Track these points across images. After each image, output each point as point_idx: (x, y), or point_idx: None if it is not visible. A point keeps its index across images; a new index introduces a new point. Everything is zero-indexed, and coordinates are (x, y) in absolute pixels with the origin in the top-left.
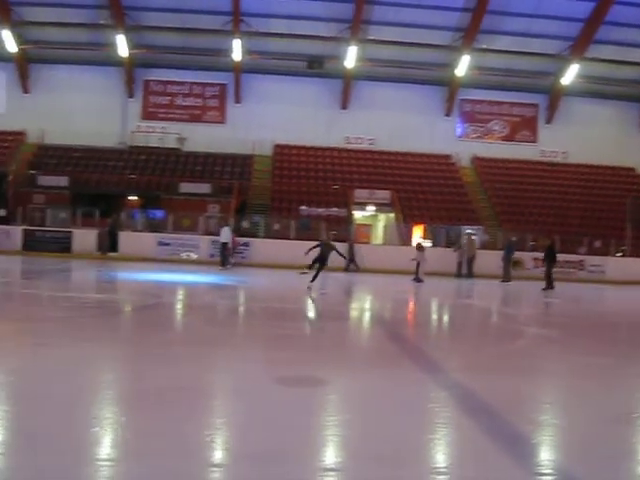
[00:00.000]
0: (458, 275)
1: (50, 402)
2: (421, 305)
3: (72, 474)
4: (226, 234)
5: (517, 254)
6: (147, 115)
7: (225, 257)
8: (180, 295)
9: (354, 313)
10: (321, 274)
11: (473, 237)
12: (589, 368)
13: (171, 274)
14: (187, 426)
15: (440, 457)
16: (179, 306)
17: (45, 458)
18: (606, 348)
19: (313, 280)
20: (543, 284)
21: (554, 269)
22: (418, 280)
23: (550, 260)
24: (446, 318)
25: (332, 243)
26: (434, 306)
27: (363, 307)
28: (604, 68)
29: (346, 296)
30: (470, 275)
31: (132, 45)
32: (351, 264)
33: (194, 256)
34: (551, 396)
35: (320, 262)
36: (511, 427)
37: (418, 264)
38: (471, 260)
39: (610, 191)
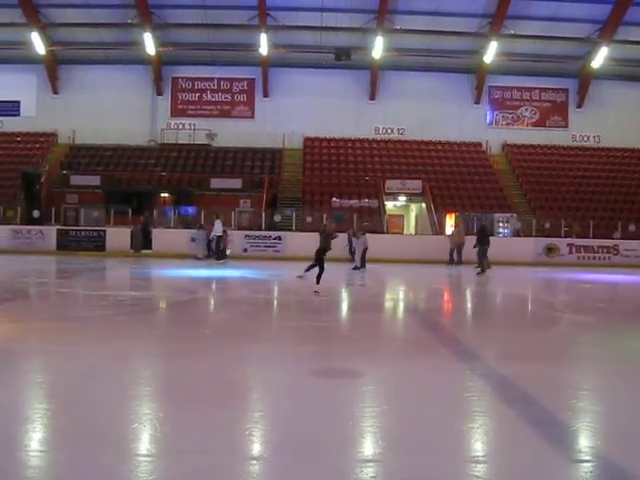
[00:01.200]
0: (450, 262)
1: (88, 399)
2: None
3: (112, 470)
4: (219, 227)
5: (552, 240)
6: (176, 112)
7: (220, 251)
8: (214, 290)
9: (387, 304)
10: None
11: (462, 225)
12: (627, 353)
13: (204, 270)
14: (225, 420)
15: (478, 446)
16: (213, 301)
17: (85, 454)
18: None
19: (308, 270)
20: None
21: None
22: (356, 267)
23: (482, 243)
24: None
25: (329, 230)
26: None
27: (394, 298)
28: (634, 50)
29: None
30: (459, 262)
31: (159, 43)
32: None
33: (227, 251)
34: (590, 382)
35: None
36: (548, 413)
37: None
38: (460, 248)
39: None
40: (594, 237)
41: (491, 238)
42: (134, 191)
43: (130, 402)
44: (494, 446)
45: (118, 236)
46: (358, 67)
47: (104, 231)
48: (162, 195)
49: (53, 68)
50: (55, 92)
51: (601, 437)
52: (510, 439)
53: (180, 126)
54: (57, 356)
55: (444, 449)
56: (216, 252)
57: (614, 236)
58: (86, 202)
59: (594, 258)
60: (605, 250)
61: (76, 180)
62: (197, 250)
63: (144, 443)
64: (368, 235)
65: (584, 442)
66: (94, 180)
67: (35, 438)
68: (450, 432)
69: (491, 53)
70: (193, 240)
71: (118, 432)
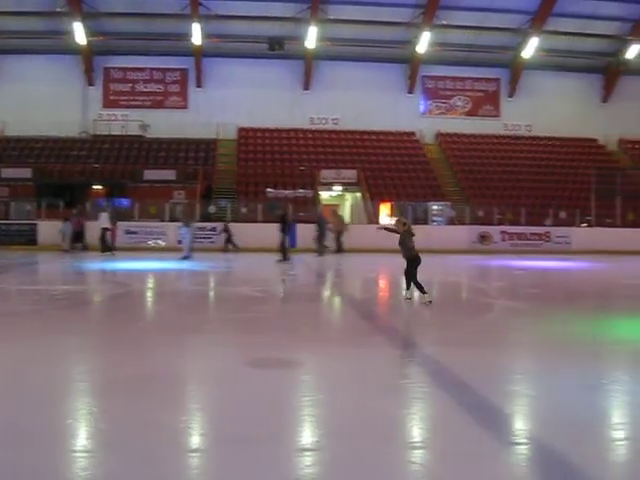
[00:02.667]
0: (319, 251)
1: (22, 395)
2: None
3: (48, 466)
4: (104, 219)
5: (485, 228)
6: (108, 103)
7: (105, 243)
8: (150, 283)
9: (325, 293)
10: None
11: (340, 213)
12: (560, 337)
13: (139, 262)
14: (162, 413)
15: (416, 432)
16: (149, 294)
17: (20, 451)
18: (576, 317)
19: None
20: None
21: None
22: (185, 257)
23: (283, 231)
24: None
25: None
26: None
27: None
28: (565, 41)
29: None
30: (340, 250)
31: (90, 32)
32: (229, 244)
33: (162, 243)
34: (523, 366)
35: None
36: (484, 398)
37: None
38: (339, 235)
39: (574, 162)
40: (526, 224)
41: (426, 226)
42: (66, 183)
43: (63, 397)
44: (430, 432)
45: (50, 230)
46: (292, 57)
47: (36, 225)
48: (95, 187)
49: None
50: None
51: (534, 420)
52: (446, 424)
53: (112, 117)
54: None
55: (381, 436)
56: (100, 245)
57: (546, 223)
58: (17, 195)
59: (526, 245)
60: (537, 237)
61: (6, 173)
62: (63, 243)
63: (79, 439)
64: (303, 225)
65: (518, 425)
66: (25, 173)
67: None
68: (387, 419)
69: (424, 43)
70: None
71: (51, 428)
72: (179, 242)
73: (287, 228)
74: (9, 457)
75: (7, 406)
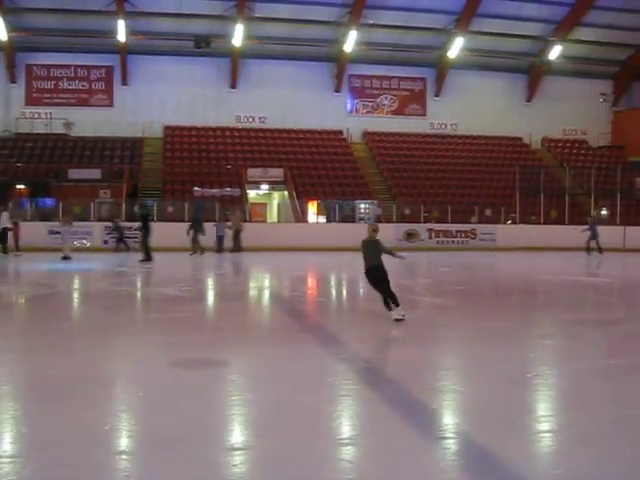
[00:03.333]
0: (218, 250)
1: None
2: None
3: None
4: (5, 219)
5: (412, 226)
6: (31, 101)
7: (4, 244)
8: (75, 284)
9: (252, 292)
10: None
11: (239, 212)
12: (485, 333)
13: (64, 263)
14: (87, 415)
15: (344, 428)
16: (75, 295)
17: None
18: (501, 313)
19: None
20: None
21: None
22: (66, 257)
23: (145, 229)
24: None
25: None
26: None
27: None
28: (489, 41)
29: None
30: (238, 249)
31: (11, 28)
32: (120, 243)
33: (87, 244)
34: (450, 362)
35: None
36: (411, 394)
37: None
38: (237, 234)
39: (499, 161)
40: (452, 222)
41: (354, 224)
42: None
43: None
44: (359, 428)
45: None
46: (219, 55)
47: (18, 225)
48: (18, 187)
49: None
50: None
51: (460, 415)
52: (374, 420)
53: (36, 115)
54: None
55: (310, 433)
56: (1, 245)
57: (472, 220)
58: None
59: (453, 242)
60: (463, 234)
61: None
62: None
63: (1, 443)
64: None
65: (444, 420)
66: None
67: None
68: (316, 416)
69: (351, 42)
70: None
71: None
72: (105, 242)
73: (148, 227)
74: None
75: None
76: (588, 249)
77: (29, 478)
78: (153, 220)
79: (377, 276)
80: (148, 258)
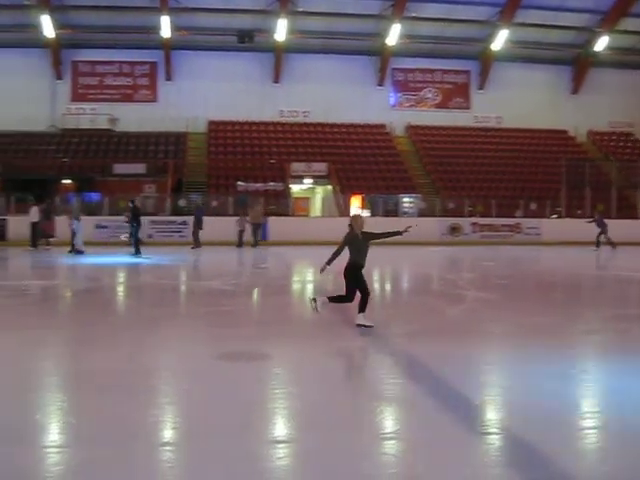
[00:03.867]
0: (239, 245)
1: None
2: None
3: (17, 462)
4: (34, 213)
5: (455, 220)
6: (77, 97)
7: (35, 238)
8: (120, 277)
9: (294, 286)
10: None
11: (259, 206)
12: (530, 328)
13: (110, 257)
14: (132, 407)
15: (388, 423)
16: (120, 288)
17: None
18: (545, 308)
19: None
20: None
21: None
22: (77, 251)
23: (133, 223)
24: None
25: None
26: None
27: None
28: (533, 32)
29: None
30: (256, 243)
31: (58, 25)
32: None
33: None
34: (494, 357)
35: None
36: (454, 389)
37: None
38: (257, 228)
39: (544, 154)
40: (497, 216)
41: (397, 219)
42: (35, 178)
43: (33, 393)
44: (402, 422)
45: (20, 225)
46: (262, 50)
47: (5, 220)
48: (64, 182)
49: None
50: None
51: (505, 410)
52: (418, 415)
53: (81, 111)
54: None
55: (353, 427)
56: (31, 240)
57: (516, 214)
58: None
59: (497, 236)
60: (507, 228)
61: None
62: None
63: (49, 434)
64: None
65: (488, 415)
66: None
67: None
68: (359, 410)
69: (394, 35)
70: None
71: (22, 423)
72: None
73: (138, 221)
74: None
75: None
76: (598, 243)
77: (76, 468)
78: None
79: (360, 275)
80: (137, 252)
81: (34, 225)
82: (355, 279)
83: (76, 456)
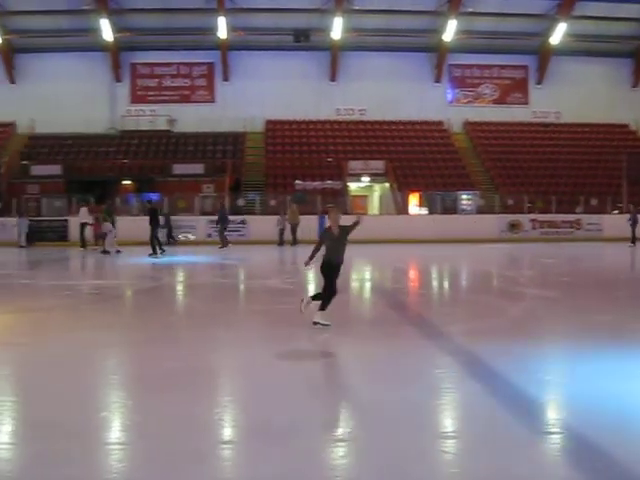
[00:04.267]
0: (280, 243)
1: (58, 389)
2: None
3: (82, 459)
4: (84, 214)
5: (515, 216)
6: (136, 98)
7: (83, 238)
8: (179, 276)
9: (353, 284)
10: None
11: (295, 206)
12: (592, 326)
13: (169, 256)
14: (195, 406)
15: (448, 421)
16: (179, 287)
17: (55, 444)
18: (608, 305)
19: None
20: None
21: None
22: (105, 252)
23: (152, 224)
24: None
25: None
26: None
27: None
28: (592, 25)
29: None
30: (295, 242)
31: (116, 29)
32: (169, 239)
33: (191, 237)
34: (556, 356)
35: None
36: (516, 388)
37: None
38: (294, 228)
39: (605, 149)
40: (557, 212)
41: (455, 216)
42: (96, 180)
43: (98, 391)
44: (463, 421)
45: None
46: (318, 48)
47: (66, 221)
48: (124, 183)
49: (9, 57)
50: (12, 81)
51: (567, 409)
52: (478, 414)
53: (140, 112)
54: (22, 348)
55: (413, 426)
56: (80, 240)
57: (577, 210)
58: (47, 192)
59: (557, 233)
60: (568, 225)
61: (36, 170)
62: (19, 238)
63: (113, 431)
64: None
65: (551, 414)
66: (55, 170)
67: (3, 431)
68: (420, 409)
69: (450, 31)
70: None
71: (88, 421)
72: (209, 235)
73: (157, 221)
74: (44, 450)
75: (43, 400)
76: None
77: (140, 465)
78: (161, 215)
79: (336, 272)
80: (155, 252)
81: (83, 226)
82: (327, 276)
83: (140, 453)
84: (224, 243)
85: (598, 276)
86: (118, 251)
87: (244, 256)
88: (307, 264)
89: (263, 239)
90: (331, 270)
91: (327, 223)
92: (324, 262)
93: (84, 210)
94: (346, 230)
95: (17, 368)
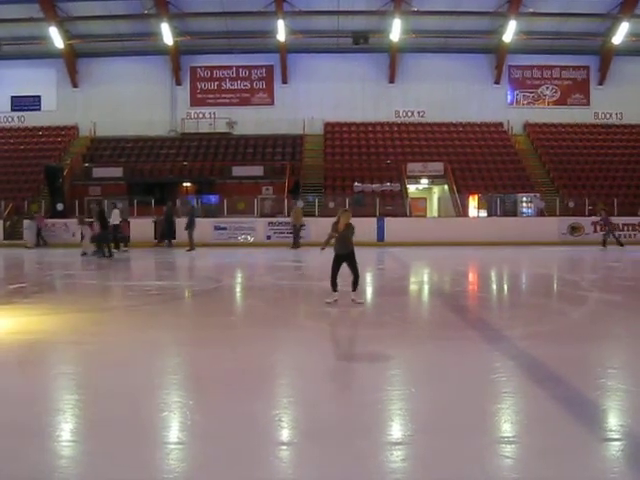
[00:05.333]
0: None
1: (119, 389)
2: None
3: (144, 458)
4: (116, 216)
5: (576, 219)
6: (196, 101)
7: (117, 239)
8: (239, 278)
9: (412, 287)
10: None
11: (299, 207)
12: None
13: (229, 258)
14: (255, 406)
15: (508, 426)
16: (239, 289)
17: (116, 443)
18: None
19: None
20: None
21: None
22: (84, 254)
23: (190, 223)
24: None
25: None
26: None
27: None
28: None
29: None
30: (297, 245)
31: (176, 33)
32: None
33: (251, 239)
34: (619, 360)
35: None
36: (578, 393)
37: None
38: (298, 229)
39: None
40: (619, 215)
41: (515, 218)
42: (156, 182)
43: (160, 391)
44: (523, 426)
45: (142, 227)
46: (376, 50)
47: (128, 222)
48: (184, 185)
49: (72, 62)
50: (75, 85)
51: (631, 415)
52: (539, 419)
53: (200, 115)
54: (86, 347)
55: (473, 430)
56: (114, 241)
57: (639, 213)
58: (109, 194)
59: (619, 236)
60: (631, 228)
61: (98, 172)
62: (28, 239)
63: (175, 431)
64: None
65: (614, 421)
66: (116, 172)
67: (67, 429)
68: (479, 413)
69: (510, 32)
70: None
71: (149, 421)
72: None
73: (193, 222)
74: (107, 448)
75: (106, 399)
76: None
77: (200, 465)
78: (198, 216)
79: (352, 259)
80: (192, 248)
81: (115, 227)
82: (339, 264)
83: (201, 452)
84: (192, 246)
85: None
86: (85, 253)
87: (305, 258)
88: (322, 248)
89: (322, 241)
90: (341, 259)
91: (339, 221)
92: (335, 255)
93: (116, 212)
94: (351, 228)
95: (80, 367)
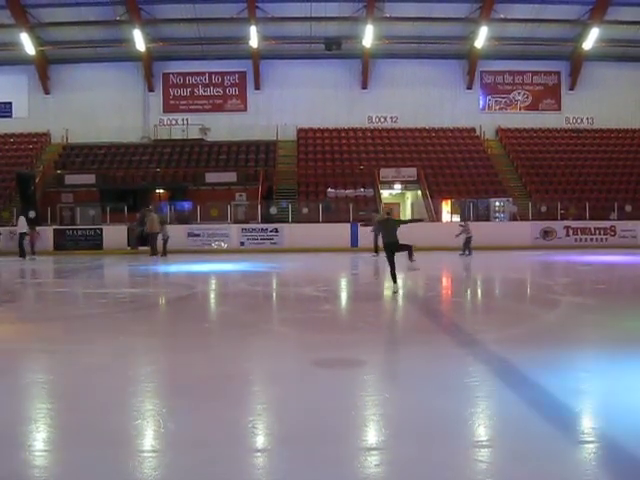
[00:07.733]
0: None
1: (91, 397)
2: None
3: (116, 467)
4: (22, 224)
5: (548, 223)
6: (168, 108)
7: (22, 248)
8: (213, 284)
9: (386, 292)
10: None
11: (153, 214)
12: (629, 334)
13: (202, 264)
14: (229, 413)
15: (482, 431)
16: (213, 295)
17: (89, 452)
18: None
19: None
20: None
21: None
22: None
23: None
24: None
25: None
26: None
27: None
28: (625, 30)
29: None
30: (154, 252)
31: (149, 39)
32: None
33: (224, 245)
34: (592, 364)
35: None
36: (552, 397)
37: None
38: (153, 237)
39: (639, 154)
40: (591, 219)
41: (488, 223)
42: (129, 188)
43: (132, 398)
44: (497, 430)
45: (115, 234)
46: (349, 56)
47: (101, 229)
48: (157, 191)
49: (44, 68)
50: (46, 92)
51: (604, 418)
52: (513, 423)
53: (173, 122)
54: (58, 355)
55: (447, 435)
56: (19, 250)
57: (611, 217)
58: (82, 201)
59: (591, 240)
60: (602, 231)
61: (71, 179)
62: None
63: (148, 439)
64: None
65: (587, 424)
66: (89, 179)
67: (39, 438)
68: (453, 418)
69: (482, 38)
70: None
71: (121, 429)
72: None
73: (144, 225)
74: (79, 457)
75: (78, 408)
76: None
77: (174, 473)
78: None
79: (396, 248)
80: (154, 253)
81: (22, 236)
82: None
83: (174, 460)
84: (153, 251)
85: (635, 283)
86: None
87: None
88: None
89: (295, 247)
90: (393, 248)
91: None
92: (384, 246)
93: (23, 219)
94: (395, 222)
95: (52, 376)
